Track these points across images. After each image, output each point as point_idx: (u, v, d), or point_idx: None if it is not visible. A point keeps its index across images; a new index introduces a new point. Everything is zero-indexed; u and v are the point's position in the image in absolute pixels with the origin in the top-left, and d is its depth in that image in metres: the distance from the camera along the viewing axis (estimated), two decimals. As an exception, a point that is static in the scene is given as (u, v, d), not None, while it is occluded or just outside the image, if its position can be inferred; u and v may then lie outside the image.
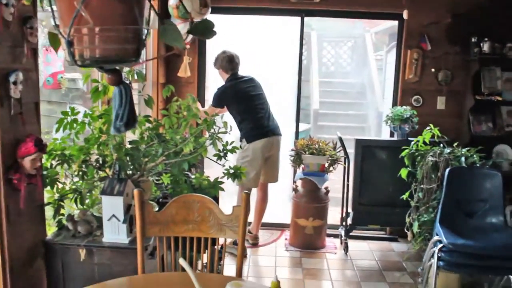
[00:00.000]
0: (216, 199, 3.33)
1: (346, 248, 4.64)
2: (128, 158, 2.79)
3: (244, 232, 2.41)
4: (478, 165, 3.85)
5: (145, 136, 3.00)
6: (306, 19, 5.04)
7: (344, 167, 4.69)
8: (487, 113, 4.77)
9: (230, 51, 4.58)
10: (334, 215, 4.94)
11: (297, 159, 4.59)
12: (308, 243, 4.66)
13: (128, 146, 2.88)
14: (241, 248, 2.42)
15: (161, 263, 2.48)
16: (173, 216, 2.41)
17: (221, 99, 4.56)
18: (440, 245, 3.38)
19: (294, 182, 4.88)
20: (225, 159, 3.28)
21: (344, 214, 4.74)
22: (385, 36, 7.75)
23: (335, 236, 4.92)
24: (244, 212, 2.40)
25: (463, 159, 3.82)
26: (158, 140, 3.02)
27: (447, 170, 3.69)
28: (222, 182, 3.28)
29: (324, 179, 4.57)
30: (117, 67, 1.75)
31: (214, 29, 1.65)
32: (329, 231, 4.90)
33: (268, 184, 4.74)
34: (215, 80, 4.96)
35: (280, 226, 5.18)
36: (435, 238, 3.51)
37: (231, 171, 3.25)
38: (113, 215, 2.55)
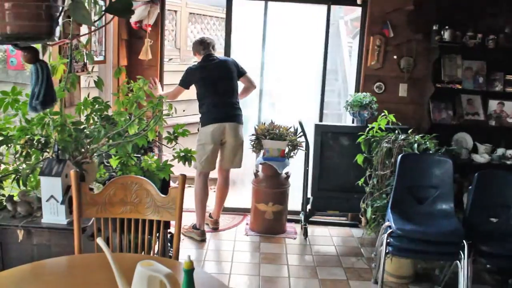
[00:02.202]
0: (166, 181, 3.32)
1: (305, 234, 4.67)
2: (70, 139, 2.76)
3: (180, 214, 2.42)
4: (430, 152, 3.88)
5: (92, 118, 2.98)
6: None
7: (306, 153, 4.70)
8: (447, 101, 4.81)
9: (204, 36, 4.82)
10: (295, 200, 4.95)
11: (257, 144, 4.59)
12: (268, 228, 4.68)
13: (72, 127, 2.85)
14: (178, 230, 2.42)
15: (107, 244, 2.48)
16: (110, 197, 2.41)
17: (185, 80, 4.60)
18: (389, 231, 3.41)
19: (256, 167, 4.88)
20: (175, 142, 3.28)
21: (304, 200, 4.75)
22: (358, 23, 7.78)
23: (296, 221, 4.94)
24: (180, 194, 2.40)
25: (415, 145, 3.85)
26: (106, 122, 3.00)
27: (399, 156, 3.71)
28: (171, 165, 3.27)
29: (285, 164, 4.58)
30: (33, 45, 1.73)
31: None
32: (290, 217, 4.92)
33: (230, 170, 4.73)
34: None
35: (243, 211, 5.19)
36: (386, 223, 3.54)
37: (182, 154, 3.25)
38: (52, 196, 2.53)
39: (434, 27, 4.64)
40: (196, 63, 4.60)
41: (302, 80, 5.27)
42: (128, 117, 2.98)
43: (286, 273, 3.99)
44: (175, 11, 8.76)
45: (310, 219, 4.81)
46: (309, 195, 4.75)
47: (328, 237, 4.75)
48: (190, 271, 1.63)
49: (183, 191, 2.42)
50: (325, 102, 5.14)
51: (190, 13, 9.28)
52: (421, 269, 4.09)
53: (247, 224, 4.90)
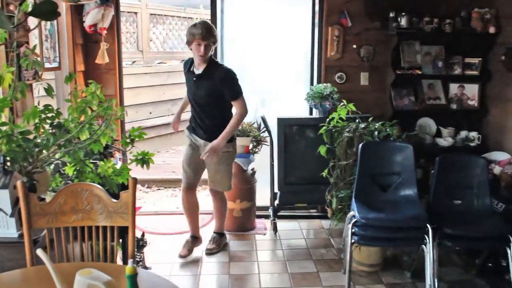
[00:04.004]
0: (124, 186, 3.26)
1: (275, 229, 4.64)
2: (19, 149, 2.68)
3: (133, 218, 2.36)
4: (392, 139, 3.89)
5: (42, 126, 2.90)
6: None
7: (270, 147, 4.67)
8: (408, 87, 4.83)
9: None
10: (264, 196, 4.91)
11: (220, 142, 4.55)
12: (237, 225, 4.65)
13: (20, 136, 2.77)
14: (132, 235, 2.37)
15: (60, 254, 2.42)
16: (61, 206, 2.35)
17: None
18: (354, 220, 3.40)
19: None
20: (132, 145, 3.22)
21: (272, 195, 4.73)
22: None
23: (266, 217, 4.91)
24: (132, 198, 2.35)
25: (376, 133, 3.85)
26: (59, 130, 2.93)
27: (360, 145, 3.71)
28: (129, 169, 3.22)
29: (250, 160, 4.55)
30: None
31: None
32: (259, 212, 4.88)
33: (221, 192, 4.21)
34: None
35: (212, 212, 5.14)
36: (350, 213, 3.54)
37: (139, 157, 3.19)
38: (0, 209, 2.46)
39: (391, 14, 4.64)
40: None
41: (288, 74, 5.17)
42: (78, 123, 2.91)
43: (256, 270, 3.96)
44: (135, 13, 8.65)
45: (280, 213, 4.78)
46: (276, 190, 4.72)
47: (298, 231, 4.74)
48: (133, 277, 1.59)
49: (135, 195, 2.36)
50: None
51: (151, 14, 9.19)
52: (390, 256, 4.11)
53: (216, 223, 4.85)
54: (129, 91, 7.63)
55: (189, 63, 3.90)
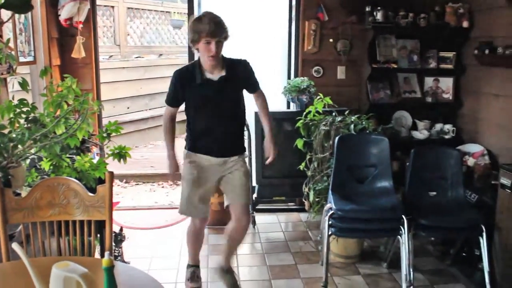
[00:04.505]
0: (102, 181, 3.25)
1: (253, 222, 4.67)
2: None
3: (111, 212, 2.36)
4: (368, 131, 3.94)
5: (17, 121, 2.87)
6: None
7: (248, 141, 4.68)
8: (384, 81, 4.88)
9: None
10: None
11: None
12: (216, 219, 4.64)
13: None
14: (110, 229, 2.36)
15: (37, 249, 2.40)
16: (37, 200, 2.34)
17: None
18: (331, 212, 3.44)
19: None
20: (108, 139, 3.20)
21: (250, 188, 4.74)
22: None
23: (244, 210, 4.93)
24: (109, 191, 2.34)
25: (352, 126, 3.89)
26: (34, 124, 2.90)
27: (336, 138, 3.75)
28: (106, 164, 3.21)
29: (227, 154, 4.56)
30: None
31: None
32: (238, 206, 4.90)
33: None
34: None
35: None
36: (327, 205, 3.58)
37: (116, 151, 3.19)
38: (-25, 204, 2.43)
39: (367, 9, 4.68)
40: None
41: (265, 68, 5.15)
42: (54, 117, 2.89)
43: (235, 263, 3.97)
44: (112, 7, 8.57)
45: (258, 207, 4.80)
46: (254, 184, 4.74)
47: (277, 224, 4.77)
48: (109, 269, 1.59)
49: (112, 189, 2.36)
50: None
51: (128, 8, 9.12)
52: (367, 248, 4.16)
53: (195, 217, 4.85)
54: (107, 85, 7.57)
55: (189, 72, 3.11)
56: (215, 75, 3.09)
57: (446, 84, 4.91)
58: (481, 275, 3.38)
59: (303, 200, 4.33)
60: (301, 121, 4.19)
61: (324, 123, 4.02)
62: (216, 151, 3.19)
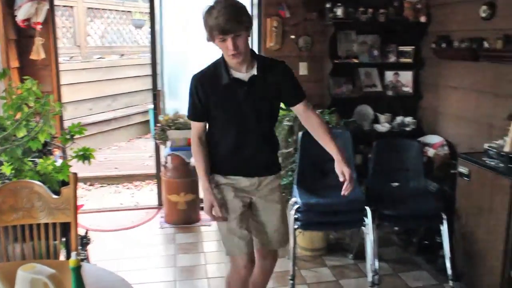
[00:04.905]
0: (65, 183, 3.21)
1: (220, 219, 4.67)
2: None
3: (75, 214, 2.34)
4: (331, 126, 3.99)
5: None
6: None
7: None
8: (346, 76, 4.95)
9: None
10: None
11: (162, 135, 4.53)
12: (182, 218, 4.65)
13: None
14: (75, 231, 2.34)
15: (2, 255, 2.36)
16: (-1, 205, 2.30)
17: None
18: (296, 206, 3.48)
19: (165, 159, 4.81)
20: (72, 141, 3.17)
21: (216, 186, 4.76)
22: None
23: (211, 208, 4.93)
24: (73, 193, 2.33)
25: (315, 121, 3.93)
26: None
27: (300, 133, 3.79)
28: (69, 166, 3.17)
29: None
30: None
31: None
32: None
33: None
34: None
35: (157, 206, 5.13)
36: (292, 199, 3.62)
37: (80, 153, 3.15)
38: None
39: (327, 5, 4.74)
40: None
41: None
42: (14, 121, 2.84)
43: (203, 260, 3.99)
44: (71, 7, 8.42)
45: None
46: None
47: (244, 220, 4.79)
48: (77, 269, 1.59)
49: (76, 190, 2.34)
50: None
51: (88, 8, 8.97)
52: (333, 240, 4.23)
53: (161, 217, 4.83)
54: (68, 87, 7.43)
55: (211, 73, 2.47)
56: (244, 73, 2.43)
57: (406, 77, 5.01)
58: (442, 262, 3.49)
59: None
60: (264, 117, 4.21)
61: (287, 118, 4.06)
62: (248, 171, 2.55)
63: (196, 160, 2.59)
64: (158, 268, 3.86)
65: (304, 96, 2.53)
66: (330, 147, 2.53)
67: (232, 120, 2.47)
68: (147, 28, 9.79)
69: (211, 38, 2.36)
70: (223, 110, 2.46)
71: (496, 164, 3.09)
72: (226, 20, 2.25)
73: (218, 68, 2.45)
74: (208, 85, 2.44)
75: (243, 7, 2.35)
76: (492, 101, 3.89)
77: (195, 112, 2.51)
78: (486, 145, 3.29)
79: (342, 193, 2.41)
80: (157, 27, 4.90)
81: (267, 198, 2.61)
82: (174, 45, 5.01)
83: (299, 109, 2.54)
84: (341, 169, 2.44)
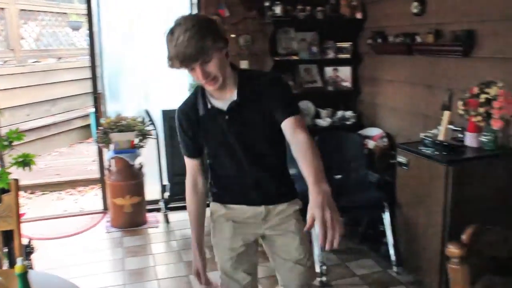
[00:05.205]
0: (5, 191, 3.11)
1: (167, 221, 4.67)
2: None
3: (18, 221, 2.28)
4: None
5: None
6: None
7: (156, 140, 4.66)
8: (286, 72, 5.02)
9: None
10: (154, 189, 4.89)
11: (105, 138, 4.46)
12: (129, 221, 4.60)
13: None
14: (19, 239, 2.29)
15: None
16: None
17: None
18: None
19: (108, 162, 4.73)
20: (10, 148, 3.07)
21: (161, 187, 4.73)
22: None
23: (157, 210, 4.90)
24: (15, 200, 2.27)
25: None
26: None
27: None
28: (9, 173, 3.07)
29: (136, 154, 4.51)
30: None
31: None
32: (150, 207, 4.87)
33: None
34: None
35: (102, 210, 5.05)
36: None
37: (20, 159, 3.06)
38: None
39: (266, 4, 4.81)
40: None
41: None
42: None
43: (152, 262, 3.96)
44: (2, 9, 8.12)
45: (171, 205, 4.80)
46: (166, 182, 4.73)
47: (191, 220, 4.78)
48: (23, 275, 1.56)
49: (18, 196, 2.29)
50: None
51: (21, 10, 8.68)
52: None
53: (107, 221, 4.76)
54: (2, 93, 7.21)
55: (191, 104, 2.11)
56: (224, 101, 2.04)
57: (345, 73, 5.15)
58: (386, 249, 3.62)
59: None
60: (208, 116, 4.22)
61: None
62: (252, 199, 2.17)
63: (188, 212, 2.24)
64: (107, 273, 3.80)
65: (294, 113, 1.96)
66: (306, 172, 1.75)
67: (225, 152, 2.13)
68: (84, 30, 9.58)
69: (175, 66, 1.93)
70: (211, 142, 2.14)
71: (431, 152, 3.23)
72: (186, 49, 1.83)
73: (197, 97, 2.09)
74: (191, 117, 2.10)
75: (209, 26, 1.88)
76: (426, 93, 4.06)
77: (187, 147, 2.21)
78: (422, 135, 3.43)
79: (321, 245, 1.60)
80: (95, 28, 4.81)
81: (278, 228, 2.19)
82: (113, 47, 4.93)
83: (286, 126, 1.95)
84: (312, 212, 1.59)
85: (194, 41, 1.82)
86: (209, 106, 2.05)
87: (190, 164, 2.24)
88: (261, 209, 2.15)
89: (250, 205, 2.17)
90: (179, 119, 2.14)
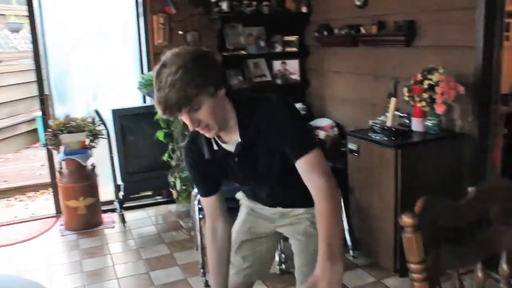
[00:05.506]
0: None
1: (123, 220, 4.63)
2: None
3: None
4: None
5: None
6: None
7: (107, 140, 4.61)
8: (236, 68, 5.07)
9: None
10: (108, 190, 4.84)
11: (54, 140, 4.37)
12: (84, 223, 4.52)
13: None
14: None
15: None
16: None
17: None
18: (199, 196, 3.53)
19: (59, 164, 4.65)
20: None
21: (115, 187, 4.69)
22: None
23: (113, 210, 4.84)
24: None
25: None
26: None
27: (197, 125, 3.85)
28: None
29: (88, 155, 4.45)
30: None
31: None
32: (105, 207, 4.82)
33: None
34: None
35: (55, 214, 4.94)
36: (195, 190, 3.66)
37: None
38: None
39: (213, 0, 4.83)
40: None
41: (118, 65, 5.04)
42: None
43: (110, 262, 3.93)
44: None
45: (126, 204, 4.77)
46: (119, 182, 4.69)
47: (147, 218, 4.77)
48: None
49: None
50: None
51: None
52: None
53: (61, 225, 4.67)
54: None
55: (197, 145, 1.94)
56: (230, 142, 1.87)
57: (293, 66, 5.24)
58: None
59: (171, 189, 4.38)
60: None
61: (182, 112, 4.10)
62: (266, 202, 2.14)
63: (208, 259, 2.10)
64: (65, 276, 3.74)
65: (306, 151, 1.73)
66: (320, 238, 1.60)
67: (237, 180, 2.09)
68: (25, 32, 9.32)
69: (160, 114, 1.67)
70: (222, 175, 2.01)
71: (381, 138, 3.35)
72: (167, 96, 1.59)
73: (200, 137, 1.88)
74: (198, 157, 1.94)
75: (198, 68, 1.62)
76: (372, 82, 4.20)
77: (199, 186, 2.06)
78: (371, 122, 3.55)
79: None
80: (38, 29, 4.70)
81: (291, 227, 2.13)
82: (58, 48, 4.83)
83: (300, 168, 1.76)
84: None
85: (176, 89, 1.58)
86: (215, 147, 1.89)
87: (206, 204, 2.05)
88: (277, 210, 2.11)
89: (265, 206, 2.14)
90: (186, 157, 2.00)
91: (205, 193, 2.03)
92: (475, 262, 1.50)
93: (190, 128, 1.73)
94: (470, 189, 1.46)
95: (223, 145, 1.88)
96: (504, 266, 1.52)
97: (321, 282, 1.47)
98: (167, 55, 1.66)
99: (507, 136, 4.45)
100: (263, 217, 2.17)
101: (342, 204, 1.57)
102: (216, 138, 1.87)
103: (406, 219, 1.24)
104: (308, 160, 1.72)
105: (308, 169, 1.72)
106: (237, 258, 2.19)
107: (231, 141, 1.85)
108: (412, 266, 1.28)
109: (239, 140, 1.83)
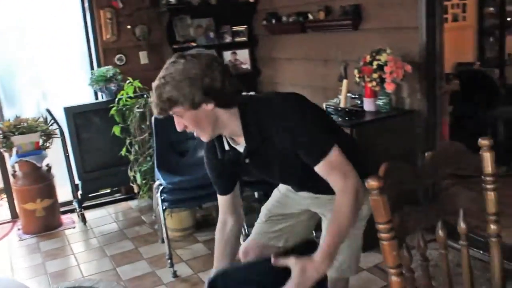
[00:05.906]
0: None
1: (84, 220, 4.58)
2: None
3: None
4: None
5: None
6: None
7: (62, 139, 4.54)
8: (187, 60, 5.08)
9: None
10: (66, 190, 4.76)
11: (6, 143, 4.27)
12: (42, 226, 4.44)
13: None
14: None
15: None
16: None
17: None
18: (161, 188, 3.55)
19: (12, 167, 4.54)
20: None
21: (73, 187, 4.63)
22: None
23: (72, 211, 4.78)
24: None
25: (166, 104, 4.03)
26: None
27: (153, 117, 3.85)
28: None
29: (42, 156, 4.36)
30: None
31: None
32: (64, 208, 4.76)
33: None
34: None
35: (11, 219, 4.83)
36: (157, 182, 3.68)
37: None
38: None
39: (160, -8, 4.83)
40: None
41: (67, 62, 4.95)
42: None
43: (75, 262, 3.89)
44: None
45: (85, 204, 4.73)
46: (77, 181, 4.63)
47: (108, 216, 4.74)
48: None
49: None
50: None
51: None
52: (200, 218, 4.37)
53: (19, 229, 4.57)
54: None
55: (214, 144, 1.96)
56: (240, 144, 1.90)
57: (243, 55, 5.30)
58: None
59: (131, 184, 4.37)
60: (114, 108, 4.20)
61: (138, 106, 4.09)
62: (296, 190, 2.16)
63: (215, 249, 2.17)
64: (28, 279, 3.66)
65: (321, 156, 1.73)
66: (326, 235, 1.74)
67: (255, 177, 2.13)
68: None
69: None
70: (238, 175, 2.07)
71: (335, 119, 3.46)
72: (152, 100, 1.79)
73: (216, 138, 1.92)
74: (213, 156, 1.99)
75: (180, 82, 1.68)
76: (322, 67, 4.31)
77: (215, 184, 2.08)
78: (324, 104, 3.65)
79: None
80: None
81: (323, 206, 2.10)
82: (2, 48, 4.71)
83: (319, 172, 1.77)
84: (299, 266, 1.62)
85: (158, 100, 1.73)
86: (227, 147, 1.93)
87: (221, 201, 2.11)
88: (309, 194, 2.11)
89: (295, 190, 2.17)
90: (205, 157, 2.05)
91: (221, 191, 2.08)
92: (435, 222, 1.61)
93: (178, 129, 1.84)
94: (426, 153, 1.56)
95: (235, 146, 1.91)
96: (461, 224, 1.63)
97: (309, 268, 1.61)
98: (171, 59, 1.77)
99: (452, 114, 4.69)
100: (296, 197, 2.18)
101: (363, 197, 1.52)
102: (228, 139, 1.91)
103: (372, 182, 1.32)
104: (326, 163, 1.73)
105: (327, 171, 1.74)
106: (266, 224, 2.25)
107: (242, 143, 1.88)
108: (380, 227, 1.36)
109: (246, 145, 1.85)
